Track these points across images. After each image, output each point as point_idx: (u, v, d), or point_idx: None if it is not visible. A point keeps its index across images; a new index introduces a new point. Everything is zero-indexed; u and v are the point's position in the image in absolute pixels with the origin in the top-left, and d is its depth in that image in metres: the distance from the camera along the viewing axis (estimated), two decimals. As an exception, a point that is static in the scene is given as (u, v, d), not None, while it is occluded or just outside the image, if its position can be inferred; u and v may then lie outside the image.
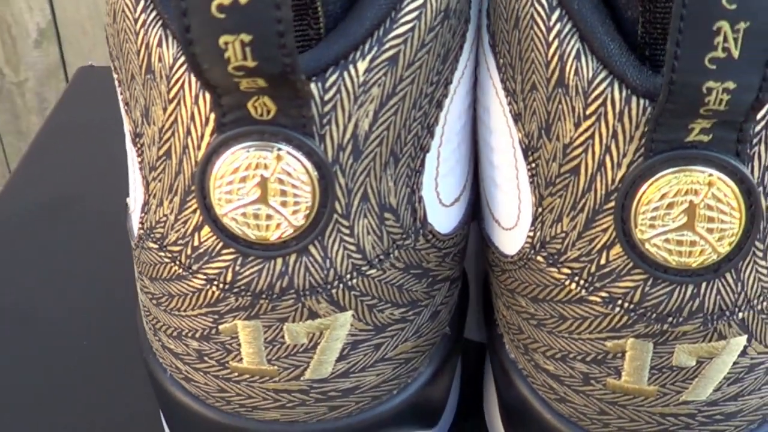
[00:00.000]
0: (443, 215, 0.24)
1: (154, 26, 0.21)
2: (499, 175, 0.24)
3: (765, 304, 0.21)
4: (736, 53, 0.18)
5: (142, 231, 0.23)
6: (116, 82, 0.23)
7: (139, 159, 0.23)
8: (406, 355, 0.24)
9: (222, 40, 0.18)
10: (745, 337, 0.22)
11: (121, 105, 0.23)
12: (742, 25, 0.18)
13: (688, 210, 0.20)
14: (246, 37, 0.18)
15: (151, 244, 0.23)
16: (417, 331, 0.24)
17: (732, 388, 0.23)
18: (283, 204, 0.20)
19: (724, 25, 0.18)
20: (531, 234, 0.22)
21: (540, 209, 0.22)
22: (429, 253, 0.23)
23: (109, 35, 0.22)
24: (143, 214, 0.23)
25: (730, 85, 0.18)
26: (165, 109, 0.21)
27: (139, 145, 0.22)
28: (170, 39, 0.20)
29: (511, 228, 0.23)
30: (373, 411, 0.25)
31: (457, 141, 0.24)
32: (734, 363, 0.22)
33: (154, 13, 0.21)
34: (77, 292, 0.35)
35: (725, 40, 0.18)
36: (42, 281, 0.35)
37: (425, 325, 0.24)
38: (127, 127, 0.23)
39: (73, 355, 0.32)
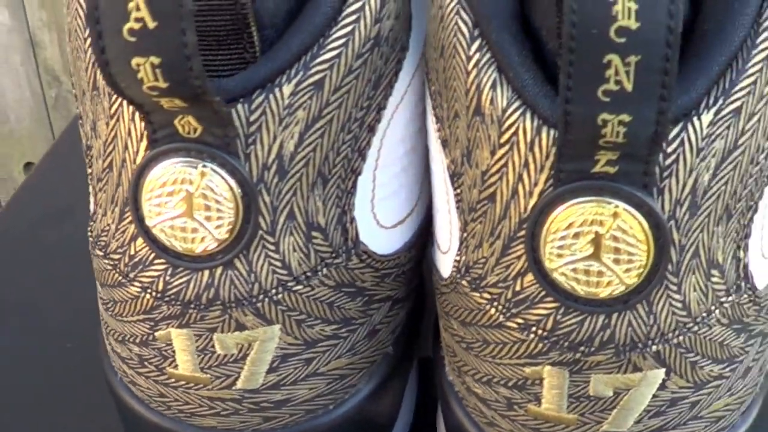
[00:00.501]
0: (382, 237, 0.24)
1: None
2: (437, 199, 0.24)
3: (681, 338, 0.21)
4: (629, 86, 0.18)
5: (91, 239, 0.24)
6: (74, 98, 0.24)
7: (89, 170, 0.24)
8: (340, 371, 0.25)
9: (134, 61, 0.19)
10: (663, 370, 0.22)
11: (78, 120, 0.24)
12: (632, 59, 0.18)
13: (594, 240, 0.20)
14: (156, 60, 0.19)
15: (98, 252, 0.24)
16: (352, 348, 0.25)
17: (654, 421, 0.23)
18: (207, 218, 0.21)
19: (615, 58, 0.18)
20: (457, 258, 0.23)
21: (465, 234, 0.22)
22: (364, 273, 0.24)
23: (69, 52, 0.24)
24: (92, 223, 0.24)
25: (626, 117, 0.18)
26: (108, 124, 0.22)
27: (89, 157, 0.24)
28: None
29: (446, 252, 0.24)
30: (308, 424, 0.25)
31: (401, 166, 0.25)
32: (654, 396, 0.22)
33: None
34: (79, 293, 0.36)
35: (617, 73, 0.18)
36: (45, 282, 0.37)
37: (361, 343, 0.25)
38: (83, 140, 0.24)
39: (74, 355, 0.33)
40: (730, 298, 0.22)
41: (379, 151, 0.23)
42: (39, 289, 0.37)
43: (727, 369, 0.23)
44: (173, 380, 0.24)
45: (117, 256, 0.23)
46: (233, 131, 0.21)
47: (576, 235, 0.20)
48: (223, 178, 0.21)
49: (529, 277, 0.21)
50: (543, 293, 0.21)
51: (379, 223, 0.24)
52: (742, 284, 0.22)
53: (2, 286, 0.37)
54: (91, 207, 0.24)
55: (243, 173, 0.21)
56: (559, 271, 0.20)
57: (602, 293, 0.20)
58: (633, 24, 0.18)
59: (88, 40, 0.22)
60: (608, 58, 0.18)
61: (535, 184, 0.20)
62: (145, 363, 0.24)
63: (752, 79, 0.20)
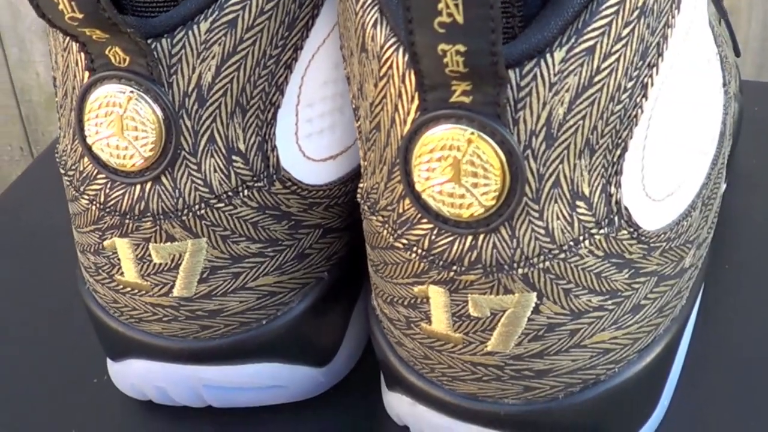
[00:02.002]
0: (310, 168, 0.27)
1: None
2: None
3: (548, 264, 0.23)
4: (460, 19, 0.20)
5: (58, 160, 0.28)
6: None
7: (56, 99, 0.28)
8: (269, 288, 0.28)
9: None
10: (534, 294, 0.24)
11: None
12: None
13: (453, 165, 0.22)
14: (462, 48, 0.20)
15: (61, 170, 0.28)
16: (279, 267, 0.28)
17: (534, 345, 0.25)
18: (135, 138, 0.25)
19: None
20: (361, 186, 0.25)
21: (365, 163, 0.25)
22: (289, 199, 0.27)
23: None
24: (58, 146, 0.28)
25: (461, 47, 0.20)
26: (62, 56, 0.26)
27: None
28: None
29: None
30: (243, 335, 0.28)
31: (333, 106, 0.27)
32: (530, 320, 0.24)
33: None
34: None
35: (447, 6, 0.20)
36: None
37: (289, 264, 0.28)
38: (52, 72, 0.28)
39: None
40: (601, 231, 0.23)
41: (300, 88, 0.26)
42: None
43: (609, 302, 0.24)
44: (121, 287, 0.28)
45: (72, 173, 0.27)
46: (154, 61, 0.24)
47: (438, 159, 0.22)
48: (147, 102, 0.25)
49: (407, 200, 0.24)
50: (419, 215, 0.23)
51: (306, 155, 0.27)
52: (615, 219, 0.24)
53: None
54: (59, 131, 0.28)
55: (165, 99, 0.24)
56: (427, 193, 0.23)
57: (465, 214, 0.23)
58: None
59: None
60: (438, -9, 0.20)
61: (408, 113, 0.23)
62: (100, 271, 0.28)
63: (606, 21, 0.22)
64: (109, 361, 0.31)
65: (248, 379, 0.29)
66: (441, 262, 0.24)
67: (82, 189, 0.27)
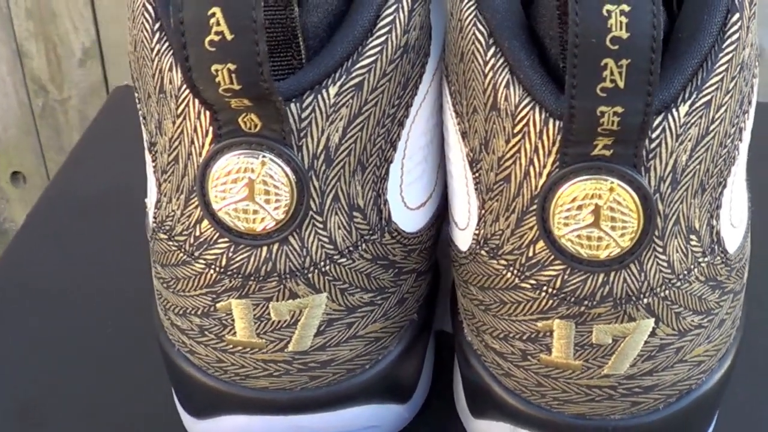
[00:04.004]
0: (409, 217, 0.30)
1: (166, 54, 0.27)
2: (455, 183, 0.29)
3: (668, 292, 0.27)
4: (621, 84, 0.23)
5: (155, 224, 0.29)
6: (136, 100, 0.29)
7: (153, 164, 0.29)
8: (375, 334, 0.30)
9: (213, 67, 0.24)
10: (653, 320, 0.27)
11: (141, 119, 0.29)
12: (624, 62, 0.23)
13: (594, 211, 0.25)
14: (232, 66, 0.24)
15: (162, 235, 0.29)
16: (385, 314, 0.30)
17: (646, 364, 0.28)
18: (267, 201, 0.26)
19: (610, 61, 0.23)
20: (477, 232, 0.28)
21: (483, 211, 0.28)
22: (394, 248, 0.29)
23: (131, 61, 0.29)
24: (156, 210, 0.29)
25: (619, 109, 0.24)
26: (174, 123, 0.27)
27: (153, 152, 0.29)
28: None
29: (464, 228, 0.29)
30: (348, 382, 0.30)
31: (423, 155, 0.30)
32: (645, 342, 0.28)
33: (166, 44, 0.27)
34: (106, 279, 0.41)
35: (611, 73, 0.23)
36: (75, 270, 0.42)
37: (392, 310, 0.30)
38: (145, 137, 0.29)
39: (100, 337, 0.38)
40: (706, 259, 0.27)
41: (406, 143, 0.29)
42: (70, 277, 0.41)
43: (705, 320, 0.28)
44: (231, 346, 0.29)
45: (182, 238, 0.28)
46: (288, 126, 0.26)
47: (579, 207, 0.25)
48: (280, 166, 0.26)
49: (540, 244, 0.27)
50: (552, 257, 0.26)
51: (407, 205, 0.29)
52: (716, 248, 0.27)
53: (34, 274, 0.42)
54: (154, 196, 0.29)
55: (297, 162, 0.26)
56: (566, 237, 0.26)
57: (602, 255, 0.26)
58: (624, 34, 0.23)
59: (155, 50, 0.27)
60: (604, 62, 0.23)
61: (544, 166, 0.26)
62: (206, 332, 0.29)
63: (719, 77, 0.25)
64: (190, 421, 0.32)
65: (347, 422, 0.31)
66: (572, 299, 0.27)
67: (197, 254, 0.28)
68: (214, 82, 0.24)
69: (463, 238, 0.29)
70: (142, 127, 0.29)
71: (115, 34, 0.71)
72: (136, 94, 0.29)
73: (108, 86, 0.74)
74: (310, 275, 0.28)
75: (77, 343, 0.38)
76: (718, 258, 0.28)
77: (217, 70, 0.24)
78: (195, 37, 0.24)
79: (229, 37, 0.24)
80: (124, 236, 0.44)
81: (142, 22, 0.27)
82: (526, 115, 0.26)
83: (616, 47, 0.23)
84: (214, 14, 0.24)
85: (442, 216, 0.32)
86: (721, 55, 0.25)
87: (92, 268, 0.42)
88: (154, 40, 0.27)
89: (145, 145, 0.29)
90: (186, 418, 0.33)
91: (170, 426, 0.34)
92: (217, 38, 0.24)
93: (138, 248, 0.43)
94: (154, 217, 0.29)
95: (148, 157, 0.29)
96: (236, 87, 0.24)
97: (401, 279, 0.30)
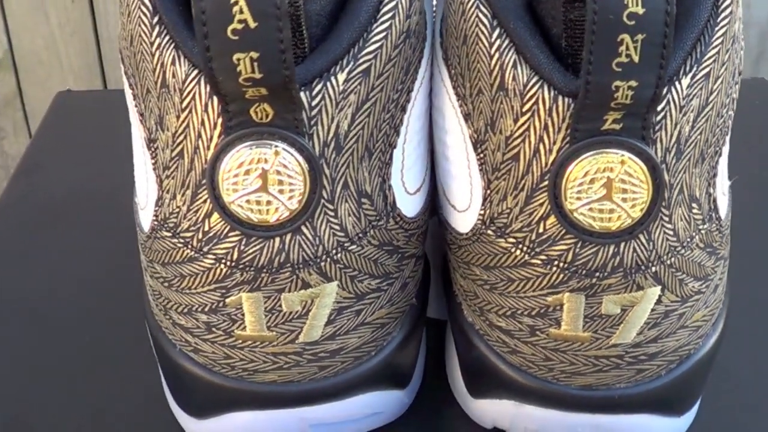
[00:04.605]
0: (409, 202, 0.30)
1: (167, 48, 0.26)
2: (453, 166, 0.30)
3: (673, 260, 0.28)
4: (636, 58, 0.24)
5: (156, 222, 0.29)
6: (130, 96, 0.29)
7: (153, 161, 0.28)
8: (381, 320, 0.30)
9: (235, 56, 0.24)
10: (659, 287, 0.28)
11: (135, 115, 0.29)
12: (639, 37, 0.24)
13: (606, 184, 0.26)
14: (255, 54, 0.24)
15: (165, 233, 0.28)
16: (390, 299, 0.30)
17: (652, 331, 0.29)
18: (281, 191, 0.26)
19: (626, 37, 0.24)
20: (482, 212, 0.29)
21: (488, 191, 0.28)
22: (398, 233, 0.30)
23: (124, 56, 0.28)
24: (157, 208, 0.29)
25: (633, 83, 0.25)
26: (178, 117, 0.27)
27: (153, 149, 0.28)
28: (182, 58, 0.26)
29: (465, 210, 0.30)
30: (355, 370, 0.31)
31: (417, 140, 0.30)
32: (652, 310, 0.29)
33: (167, 38, 0.26)
34: (71, 287, 0.40)
35: (627, 48, 0.24)
36: (43, 277, 0.41)
37: (396, 295, 0.30)
38: (141, 134, 0.29)
39: (77, 344, 0.37)
40: (705, 226, 0.28)
41: (407, 128, 0.29)
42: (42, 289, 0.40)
43: (703, 285, 0.29)
44: (240, 341, 0.29)
45: (189, 234, 0.28)
46: (301, 114, 0.26)
47: (592, 181, 0.26)
48: (293, 155, 0.26)
49: (551, 219, 0.27)
50: (563, 232, 0.27)
51: (407, 190, 0.30)
52: (713, 215, 0.29)
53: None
54: (153, 194, 0.29)
55: (309, 150, 0.26)
56: (578, 211, 0.27)
57: (613, 227, 0.27)
58: (640, 10, 0.24)
59: (156, 44, 0.27)
60: (621, 37, 0.24)
61: (554, 143, 0.27)
62: (213, 329, 0.29)
63: (716, 50, 0.27)
64: (190, 422, 0.32)
65: (354, 411, 0.31)
66: (584, 272, 0.28)
67: (206, 249, 0.28)
68: (235, 72, 0.24)
69: (463, 220, 0.30)
70: (139, 124, 0.29)
71: (28, 43, 0.70)
72: (132, 91, 0.29)
73: (22, 96, 0.72)
74: (322, 264, 0.28)
75: (53, 354, 0.37)
76: (714, 225, 0.29)
77: (239, 59, 0.24)
78: (217, 26, 0.24)
79: (252, 25, 0.24)
80: (86, 241, 0.43)
81: (139, 16, 0.27)
82: (535, 93, 0.26)
83: (633, 22, 0.24)
84: (236, 2, 0.24)
85: (433, 199, 0.32)
86: (717, 28, 0.27)
87: (55, 277, 0.41)
88: (154, 33, 0.27)
89: (141, 142, 0.29)
90: (185, 420, 0.32)
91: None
92: (240, 26, 0.24)
93: (101, 252, 0.42)
94: (155, 215, 0.29)
95: (143, 155, 0.29)
96: (257, 76, 0.24)
97: (403, 264, 0.30)
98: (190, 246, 0.28)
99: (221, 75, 0.24)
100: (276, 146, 0.26)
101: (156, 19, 0.27)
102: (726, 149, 0.29)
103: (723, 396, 0.35)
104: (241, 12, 0.24)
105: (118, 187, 0.42)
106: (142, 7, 0.27)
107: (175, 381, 0.32)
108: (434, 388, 0.35)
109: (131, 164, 0.31)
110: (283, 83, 0.25)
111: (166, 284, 0.30)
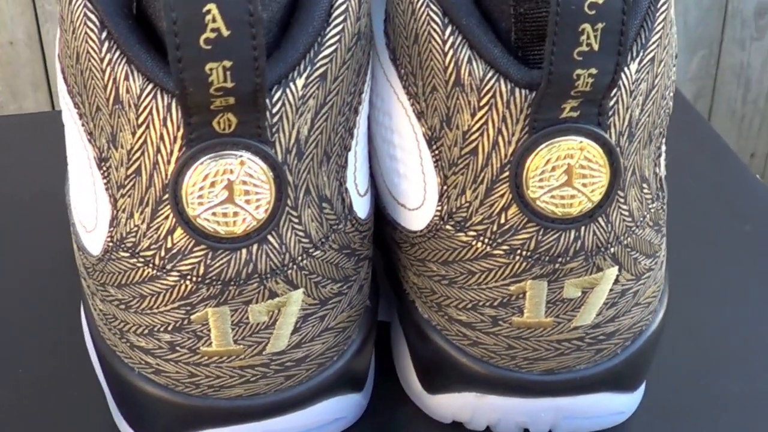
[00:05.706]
0: (361, 203, 0.30)
1: (119, 63, 0.26)
2: (402, 165, 0.30)
3: (629, 239, 0.29)
4: (596, 47, 0.25)
5: (111, 244, 0.28)
6: (76, 116, 0.28)
7: (105, 180, 0.28)
8: (343, 324, 0.31)
9: (208, 66, 0.24)
10: (617, 268, 0.29)
11: (80, 135, 0.28)
12: (600, 26, 0.25)
13: (567, 170, 0.27)
14: (228, 63, 0.24)
15: (123, 253, 0.28)
16: (350, 302, 0.30)
17: (610, 311, 0.30)
18: (247, 201, 0.26)
19: (587, 26, 0.25)
20: (439, 208, 0.29)
21: (445, 187, 0.29)
22: (354, 236, 0.30)
23: (68, 75, 0.27)
24: (112, 229, 0.28)
25: (593, 71, 0.26)
26: (134, 133, 0.26)
27: (104, 168, 0.28)
28: (135, 73, 0.26)
29: (417, 208, 0.30)
30: (318, 377, 0.31)
31: (364, 141, 0.31)
32: (610, 290, 0.30)
33: (118, 53, 0.26)
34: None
35: (588, 37, 0.25)
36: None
37: (355, 297, 0.31)
38: (91, 155, 0.28)
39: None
40: (654, 205, 0.30)
41: (358, 129, 0.29)
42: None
43: (653, 262, 0.31)
44: (206, 358, 0.29)
45: (150, 253, 0.27)
46: (265, 122, 0.26)
47: (553, 169, 0.27)
48: (258, 164, 0.26)
49: (513, 209, 0.28)
50: (525, 220, 0.28)
51: (359, 191, 0.30)
52: (660, 193, 0.30)
53: None
54: (106, 215, 0.28)
55: (274, 158, 0.26)
56: (541, 199, 0.28)
57: (574, 212, 0.28)
58: (600, 0, 0.25)
59: (106, 59, 0.26)
60: (582, 27, 0.25)
61: (513, 134, 0.27)
62: (177, 348, 0.29)
63: (658, 35, 0.28)
64: (149, 444, 0.31)
65: (317, 419, 0.31)
66: (546, 258, 0.29)
67: (169, 266, 0.27)
68: (206, 82, 0.24)
69: (415, 218, 0.30)
70: (86, 144, 0.28)
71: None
72: (76, 110, 0.28)
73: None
74: (289, 272, 0.28)
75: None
76: (659, 203, 0.31)
77: (211, 69, 0.24)
78: (189, 36, 0.23)
79: (225, 33, 0.24)
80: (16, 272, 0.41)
81: (86, 32, 0.26)
82: (492, 87, 0.27)
83: (593, 12, 0.25)
84: (209, 11, 0.23)
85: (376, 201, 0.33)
86: (657, 14, 0.28)
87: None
88: (104, 49, 0.26)
89: (88, 163, 0.28)
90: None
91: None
92: (213, 35, 0.23)
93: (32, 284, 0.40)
94: (110, 236, 0.28)
95: (91, 176, 0.28)
96: (229, 85, 0.24)
97: (359, 266, 0.31)
98: (151, 265, 0.28)
99: (192, 86, 0.24)
100: (241, 156, 0.26)
101: (105, 34, 0.26)
102: (668, 129, 0.31)
103: (663, 369, 0.36)
104: (214, 20, 0.23)
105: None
106: (89, 23, 0.26)
107: (133, 406, 0.31)
108: (386, 389, 0.35)
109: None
110: (253, 91, 0.25)
111: (122, 306, 0.29)
